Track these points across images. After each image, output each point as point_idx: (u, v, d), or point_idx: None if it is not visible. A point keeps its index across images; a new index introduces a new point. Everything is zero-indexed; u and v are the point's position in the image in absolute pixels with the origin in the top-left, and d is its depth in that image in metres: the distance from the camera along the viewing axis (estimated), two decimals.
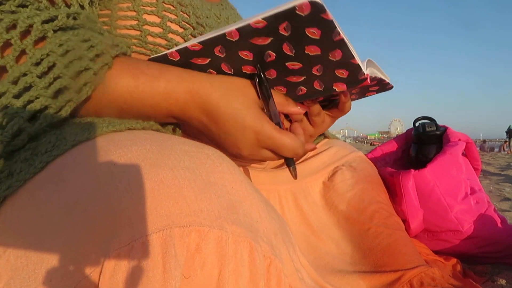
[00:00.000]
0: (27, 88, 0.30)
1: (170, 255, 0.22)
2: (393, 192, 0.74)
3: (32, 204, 0.26)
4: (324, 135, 0.77)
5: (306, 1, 0.27)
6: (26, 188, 0.28)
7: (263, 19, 0.29)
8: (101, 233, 0.22)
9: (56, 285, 0.22)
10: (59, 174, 0.27)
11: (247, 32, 0.31)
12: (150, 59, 0.39)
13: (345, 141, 0.95)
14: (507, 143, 13.32)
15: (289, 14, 0.29)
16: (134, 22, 0.46)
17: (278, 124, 0.39)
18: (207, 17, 0.54)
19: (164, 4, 0.48)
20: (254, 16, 0.30)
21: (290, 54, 0.34)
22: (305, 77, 0.38)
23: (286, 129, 0.42)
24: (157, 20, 0.47)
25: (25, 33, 0.31)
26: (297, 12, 0.28)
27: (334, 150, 0.75)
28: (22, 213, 0.26)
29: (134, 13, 0.46)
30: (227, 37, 0.32)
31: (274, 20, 0.29)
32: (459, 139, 0.78)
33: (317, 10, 0.28)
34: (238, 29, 0.31)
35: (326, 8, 0.28)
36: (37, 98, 0.30)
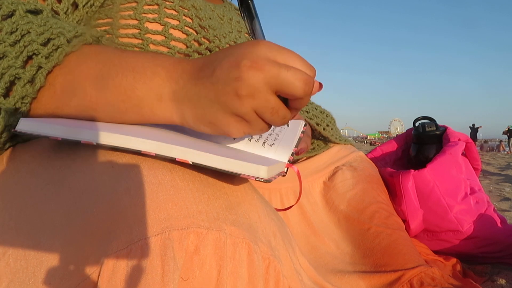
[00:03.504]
0: None
1: (168, 258, 0.22)
2: (393, 192, 0.74)
3: (31, 205, 0.26)
4: (330, 140, 0.76)
5: (252, 176, 0.25)
6: (26, 189, 0.28)
7: (193, 162, 0.25)
8: (99, 235, 0.22)
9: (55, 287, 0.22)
10: (58, 175, 0.27)
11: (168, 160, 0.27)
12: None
13: None
14: (503, 143, 13.44)
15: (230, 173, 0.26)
16: (136, 31, 0.46)
17: None
18: (210, 18, 0.54)
19: (166, 10, 0.48)
20: (186, 153, 0.25)
21: None
22: None
23: None
24: (159, 28, 0.47)
25: None
26: (240, 176, 0.25)
27: (335, 150, 0.75)
28: (21, 214, 0.26)
29: (136, 22, 0.46)
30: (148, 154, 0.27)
31: (207, 168, 0.26)
32: (459, 139, 0.78)
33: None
34: (157, 154, 0.26)
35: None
36: None
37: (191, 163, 0.25)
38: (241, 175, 0.25)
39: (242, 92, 0.26)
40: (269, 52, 0.27)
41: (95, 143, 0.26)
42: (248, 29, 0.37)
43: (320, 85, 0.31)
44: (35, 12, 0.33)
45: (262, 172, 0.25)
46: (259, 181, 0.25)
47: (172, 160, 0.26)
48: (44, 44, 0.30)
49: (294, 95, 0.27)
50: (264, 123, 0.29)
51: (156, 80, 0.29)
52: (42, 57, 0.29)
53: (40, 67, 0.30)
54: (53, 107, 0.31)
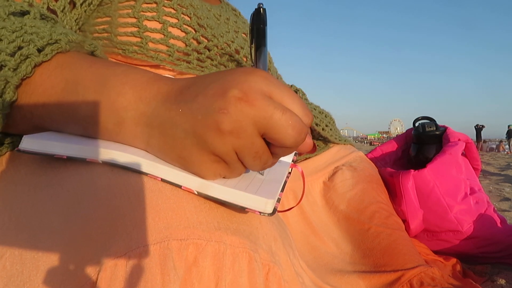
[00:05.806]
0: None
1: (169, 268, 0.21)
2: (393, 192, 0.74)
3: (30, 207, 0.26)
4: (329, 140, 0.76)
5: (257, 211, 0.24)
6: (26, 190, 0.27)
7: (198, 192, 0.25)
8: (98, 240, 0.22)
9: None
10: (57, 177, 0.27)
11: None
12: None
13: None
14: (503, 143, 13.43)
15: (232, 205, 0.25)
16: (134, 29, 0.46)
17: None
18: (207, 18, 0.54)
19: (164, 8, 0.47)
20: (190, 181, 0.25)
21: None
22: None
23: None
24: (158, 26, 0.47)
25: None
26: (245, 210, 0.25)
27: (335, 150, 0.75)
28: (21, 216, 0.25)
29: (134, 20, 0.46)
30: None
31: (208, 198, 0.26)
32: (459, 139, 0.78)
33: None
34: (163, 180, 0.25)
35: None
36: None
37: (196, 193, 0.25)
38: (246, 209, 0.25)
39: (224, 127, 0.22)
40: (265, 85, 0.23)
41: (101, 162, 0.25)
42: (252, 53, 0.35)
43: (314, 146, 0.28)
44: (21, 13, 0.31)
45: (269, 206, 0.24)
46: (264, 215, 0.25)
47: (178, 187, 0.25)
48: (13, 54, 0.27)
49: (283, 143, 0.24)
50: (243, 167, 0.26)
51: (119, 101, 0.26)
52: (9, 69, 0.27)
53: (7, 81, 0.27)
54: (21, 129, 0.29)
